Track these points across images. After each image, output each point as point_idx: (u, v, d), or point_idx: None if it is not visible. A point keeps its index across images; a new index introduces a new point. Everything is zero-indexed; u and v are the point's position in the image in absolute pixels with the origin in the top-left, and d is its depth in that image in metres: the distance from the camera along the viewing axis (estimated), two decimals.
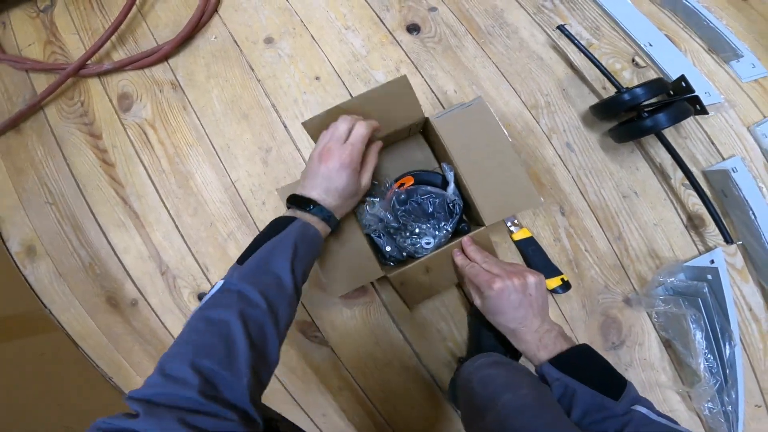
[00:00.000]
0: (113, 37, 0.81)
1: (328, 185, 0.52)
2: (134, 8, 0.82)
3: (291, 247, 0.46)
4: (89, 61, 0.80)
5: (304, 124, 0.55)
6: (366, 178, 0.55)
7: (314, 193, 0.52)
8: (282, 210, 0.58)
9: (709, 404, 0.69)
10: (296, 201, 0.52)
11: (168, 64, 0.81)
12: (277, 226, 0.49)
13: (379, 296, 0.74)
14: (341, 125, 0.54)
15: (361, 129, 0.53)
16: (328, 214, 0.52)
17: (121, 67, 0.81)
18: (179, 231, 0.77)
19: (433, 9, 0.79)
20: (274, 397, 0.75)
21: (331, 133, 0.54)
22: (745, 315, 0.72)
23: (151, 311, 0.78)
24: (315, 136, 0.57)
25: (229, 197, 0.77)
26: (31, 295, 0.79)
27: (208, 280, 0.77)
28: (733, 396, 0.68)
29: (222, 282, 0.43)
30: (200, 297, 0.77)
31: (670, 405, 0.72)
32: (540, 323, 0.52)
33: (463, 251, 0.61)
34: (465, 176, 0.59)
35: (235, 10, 0.82)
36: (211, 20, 0.82)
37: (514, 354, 0.67)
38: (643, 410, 0.43)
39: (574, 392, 0.45)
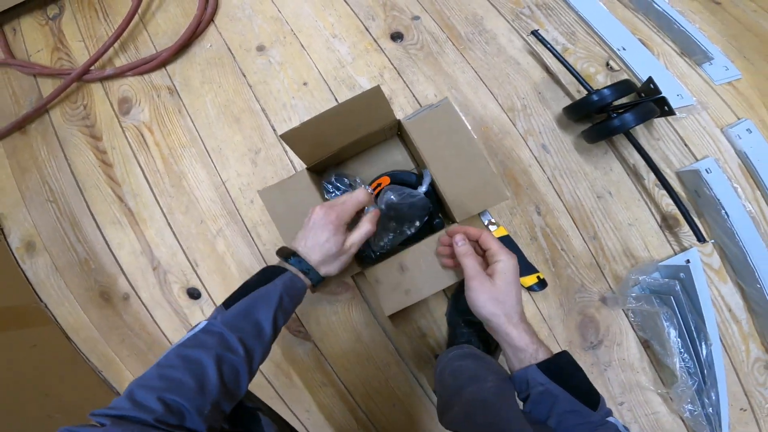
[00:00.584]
0: (116, 44, 0.86)
1: (313, 241, 0.53)
2: (136, 17, 0.87)
3: (276, 299, 0.47)
4: (93, 67, 0.85)
5: (281, 136, 0.57)
6: (351, 240, 0.54)
7: (300, 245, 0.53)
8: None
9: (690, 406, 0.68)
10: (283, 253, 0.54)
11: (166, 70, 0.86)
12: (268, 275, 0.50)
13: (361, 293, 0.76)
14: (344, 195, 0.57)
15: (358, 194, 0.55)
16: (307, 267, 0.52)
17: (122, 73, 0.85)
18: (171, 228, 0.81)
19: (416, 18, 0.82)
20: (259, 393, 0.75)
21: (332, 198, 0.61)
22: (724, 316, 0.71)
23: (141, 305, 0.80)
24: (293, 146, 0.60)
25: (219, 196, 0.80)
26: (28, 288, 0.82)
27: (198, 276, 0.79)
28: (714, 397, 0.67)
29: (205, 323, 0.45)
30: (189, 292, 0.79)
31: (651, 407, 0.72)
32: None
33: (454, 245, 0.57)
34: (436, 174, 0.61)
35: (230, 20, 0.87)
36: (207, 29, 0.87)
37: (487, 349, 0.68)
38: (615, 421, 0.44)
39: (556, 398, 0.45)
